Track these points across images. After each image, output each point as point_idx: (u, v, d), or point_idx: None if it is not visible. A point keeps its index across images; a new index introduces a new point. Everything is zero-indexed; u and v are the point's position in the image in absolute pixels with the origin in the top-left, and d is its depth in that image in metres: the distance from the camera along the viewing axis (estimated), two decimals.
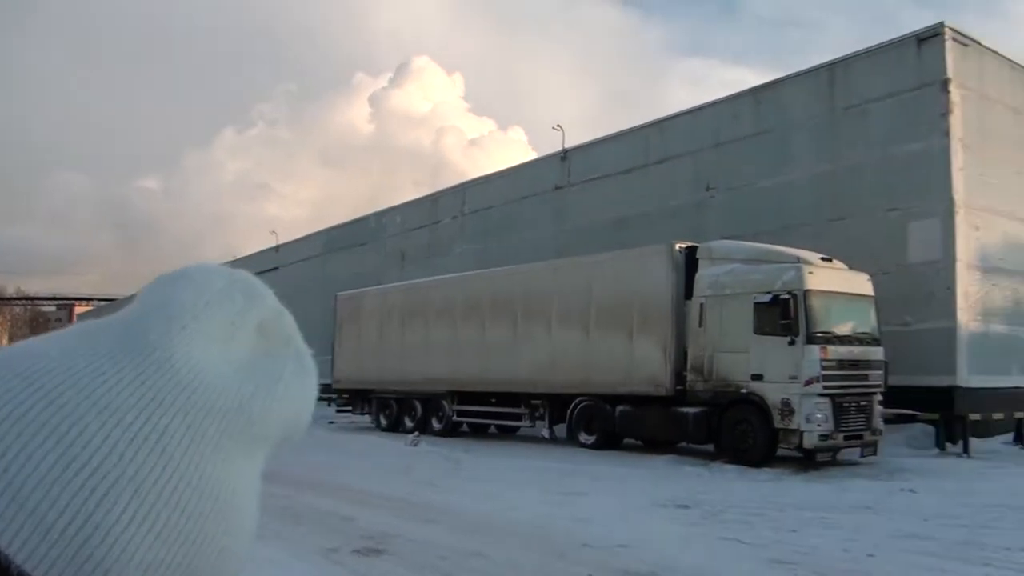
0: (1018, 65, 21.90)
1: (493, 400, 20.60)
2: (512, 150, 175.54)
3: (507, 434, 21.66)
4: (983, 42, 20.68)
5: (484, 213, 33.38)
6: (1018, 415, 18.68)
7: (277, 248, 49.45)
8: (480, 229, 33.30)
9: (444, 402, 21.66)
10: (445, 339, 21.76)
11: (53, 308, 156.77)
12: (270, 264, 49.36)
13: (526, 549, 8.40)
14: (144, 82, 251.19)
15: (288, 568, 7.99)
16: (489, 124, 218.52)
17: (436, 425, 21.91)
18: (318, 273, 43.27)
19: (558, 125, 30.33)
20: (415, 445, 18.97)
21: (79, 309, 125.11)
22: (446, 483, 13.38)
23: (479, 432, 22.18)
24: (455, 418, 21.54)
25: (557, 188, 30.02)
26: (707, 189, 24.46)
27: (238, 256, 56.46)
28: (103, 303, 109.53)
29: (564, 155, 30.05)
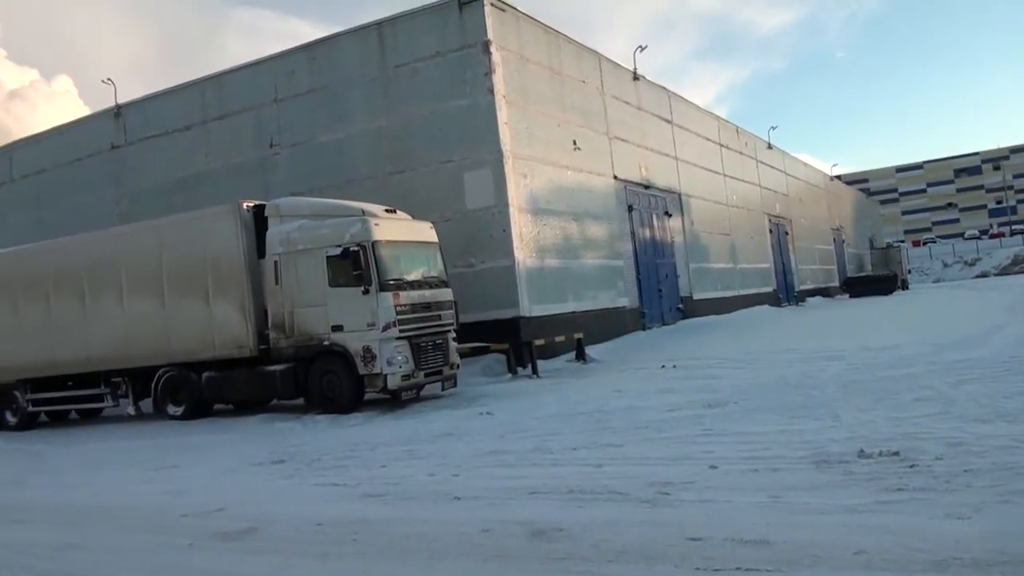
0: (552, 30, 24.30)
1: (70, 383, 19.06)
2: (62, 104, 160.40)
3: (90, 417, 20.21)
4: (519, 8, 22.67)
5: (36, 178, 30.45)
6: (576, 335, 21.10)
7: None
8: (33, 195, 30.35)
9: (16, 393, 19.62)
10: (8, 323, 19.68)
11: None
12: None
13: (125, 531, 8.19)
14: None
15: None
16: (32, 74, 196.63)
17: (11, 419, 19.71)
18: None
19: (108, 79, 28.44)
20: None
21: None
22: (31, 479, 12.44)
23: (60, 419, 20.44)
24: (31, 408, 19.63)
25: (114, 147, 28.21)
26: (271, 146, 24.41)
27: None
28: None
29: (118, 111, 28.22)
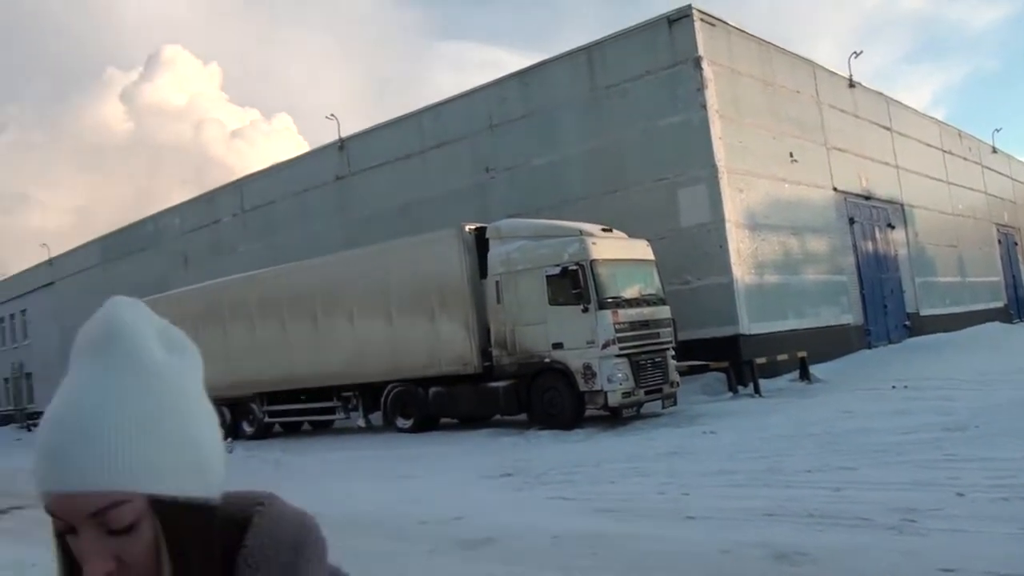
0: (763, 41, 23.90)
1: (303, 397, 20.42)
2: (280, 140, 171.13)
3: (322, 428, 21.57)
4: (729, 21, 22.45)
5: (265, 209, 32.67)
6: (800, 354, 20.37)
7: (50, 262, 46.29)
8: (263, 225, 32.58)
9: (253, 405, 21.22)
10: (246, 341, 21.23)
11: None
12: (44, 280, 46.37)
13: (366, 536, 8.49)
14: None
15: None
16: (253, 114, 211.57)
17: (248, 429, 21.38)
18: (98, 284, 40.85)
19: (332, 115, 30.10)
20: (230, 452, 18.55)
21: None
22: (271, 486, 13.16)
23: (292, 430, 21.94)
24: (266, 420, 21.20)
25: (338, 178, 29.87)
26: (487, 171, 25.12)
27: (5, 275, 52.63)
28: None
29: (341, 145, 29.90)
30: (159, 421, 0.97)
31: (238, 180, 35.50)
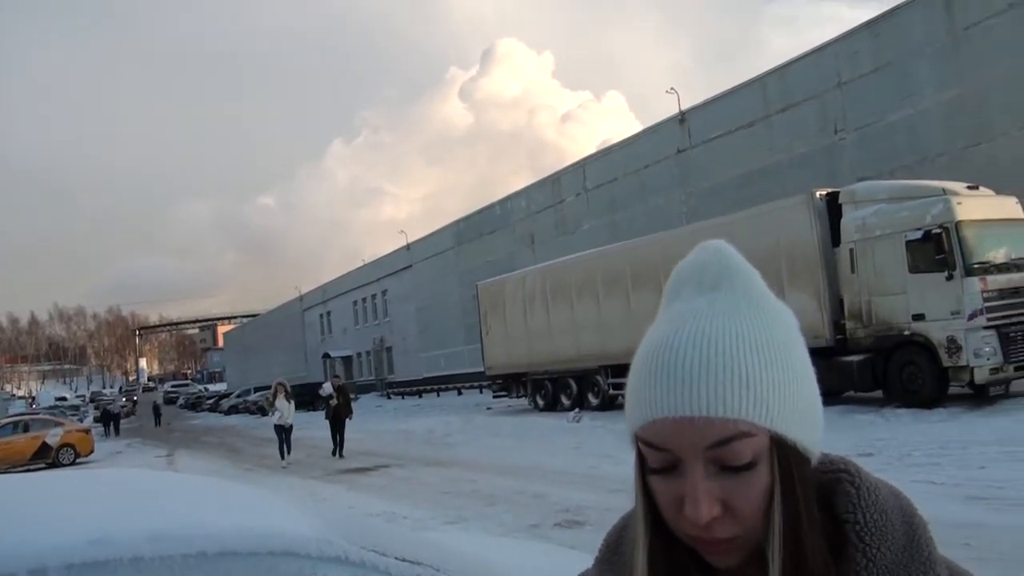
0: None
1: None
2: (611, 119, 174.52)
3: None
4: None
5: (608, 187, 33.53)
6: None
7: (408, 247, 50.68)
8: (606, 202, 33.47)
9: (598, 377, 21.96)
10: (590, 315, 22.06)
11: (196, 330, 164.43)
12: (403, 263, 50.74)
13: None
14: (250, 105, 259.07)
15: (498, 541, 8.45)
16: (585, 95, 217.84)
17: (593, 400, 22.23)
18: (452, 265, 44.29)
19: (672, 88, 30.16)
20: (577, 421, 19.39)
21: (222, 328, 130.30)
22: (619, 455, 13.47)
23: None
24: (611, 391, 21.73)
25: (679, 152, 29.91)
26: (835, 132, 24.05)
27: (369, 259, 58.24)
28: (245, 319, 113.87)
29: (682, 117, 29.90)
30: (793, 356, 0.89)
31: (581, 160, 36.72)
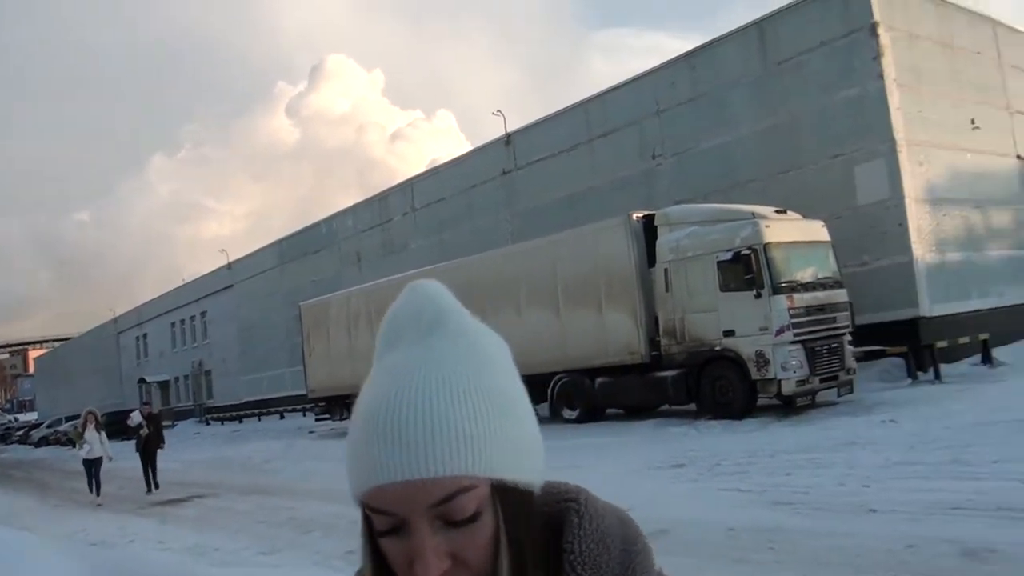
0: (941, 0, 22.46)
1: None
2: (441, 138, 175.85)
3: None
4: None
5: (436, 206, 33.49)
6: (982, 337, 19.22)
7: (229, 266, 49.05)
8: (433, 222, 33.41)
9: None
10: None
11: (7, 355, 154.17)
12: (224, 283, 49.13)
13: None
14: (66, 118, 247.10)
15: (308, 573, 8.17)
16: (416, 114, 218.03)
17: None
18: (275, 285, 43.16)
19: (498, 111, 30.60)
20: None
21: (34, 353, 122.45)
22: None
23: None
24: None
25: (505, 173, 30.19)
26: (653, 157, 24.78)
27: (189, 279, 56.10)
28: (58, 343, 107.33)
29: (508, 139, 30.22)
30: (508, 396, 0.89)
31: (408, 180, 36.58)
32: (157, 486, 17.99)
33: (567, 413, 18.31)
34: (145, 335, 61.52)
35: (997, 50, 24.38)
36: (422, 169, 37.51)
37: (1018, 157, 24.10)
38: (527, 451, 0.89)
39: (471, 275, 20.73)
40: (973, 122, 21.99)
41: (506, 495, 0.86)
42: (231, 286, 48.26)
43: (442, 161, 36.72)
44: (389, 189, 37.76)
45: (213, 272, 51.73)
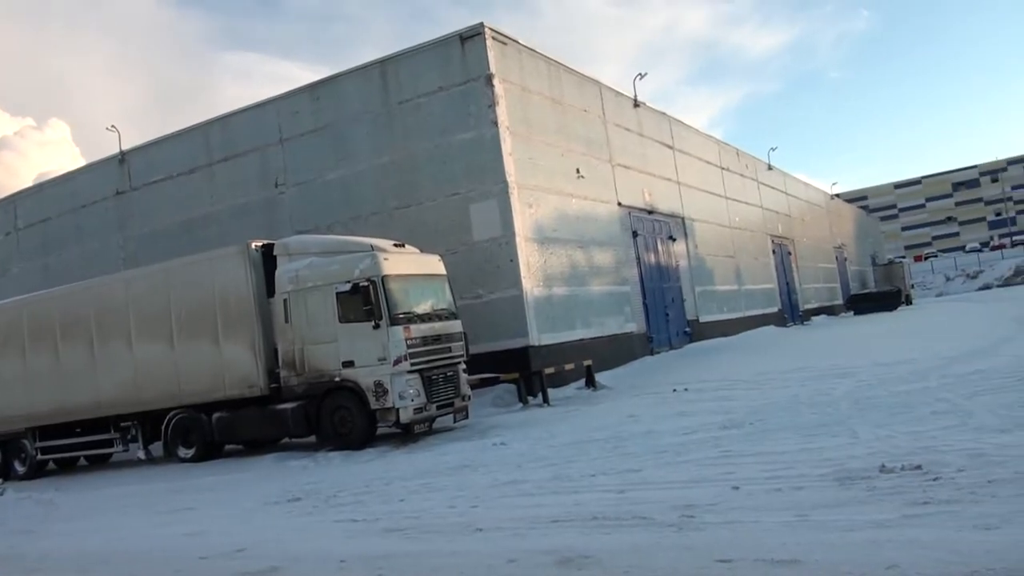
0: (553, 61, 24.48)
1: (79, 430, 18.88)
2: (55, 150, 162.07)
3: (100, 463, 19.99)
4: (520, 40, 22.86)
5: (40, 226, 30.70)
6: (586, 363, 21.18)
7: None
8: (38, 244, 30.60)
9: (24, 441, 19.52)
10: (17, 371, 19.60)
11: None
12: None
13: None
14: None
15: None
16: (27, 121, 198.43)
17: (20, 469, 19.57)
18: None
19: (113, 126, 28.60)
20: (1, 494, 17.07)
21: None
22: (43, 528, 12.19)
23: (69, 467, 20.26)
24: (39, 457, 19.49)
25: (119, 193, 28.38)
26: (276, 185, 24.52)
27: None
28: None
29: (122, 158, 28.41)
30: None
31: (11, 196, 33.14)
32: None
33: (183, 452, 17.34)
34: None
35: (602, 109, 27.04)
36: (29, 184, 34.02)
37: (619, 204, 26.79)
38: None
39: (76, 303, 19.24)
40: (579, 171, 24.17)
41: None
42: None
43: (51, 176, 33.74)
44: None
45: None
